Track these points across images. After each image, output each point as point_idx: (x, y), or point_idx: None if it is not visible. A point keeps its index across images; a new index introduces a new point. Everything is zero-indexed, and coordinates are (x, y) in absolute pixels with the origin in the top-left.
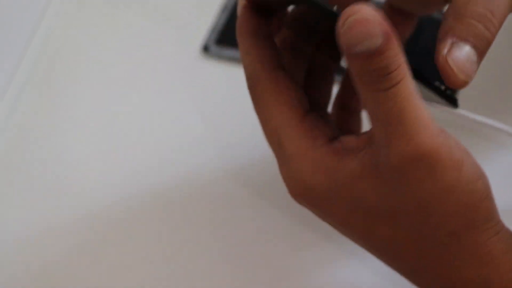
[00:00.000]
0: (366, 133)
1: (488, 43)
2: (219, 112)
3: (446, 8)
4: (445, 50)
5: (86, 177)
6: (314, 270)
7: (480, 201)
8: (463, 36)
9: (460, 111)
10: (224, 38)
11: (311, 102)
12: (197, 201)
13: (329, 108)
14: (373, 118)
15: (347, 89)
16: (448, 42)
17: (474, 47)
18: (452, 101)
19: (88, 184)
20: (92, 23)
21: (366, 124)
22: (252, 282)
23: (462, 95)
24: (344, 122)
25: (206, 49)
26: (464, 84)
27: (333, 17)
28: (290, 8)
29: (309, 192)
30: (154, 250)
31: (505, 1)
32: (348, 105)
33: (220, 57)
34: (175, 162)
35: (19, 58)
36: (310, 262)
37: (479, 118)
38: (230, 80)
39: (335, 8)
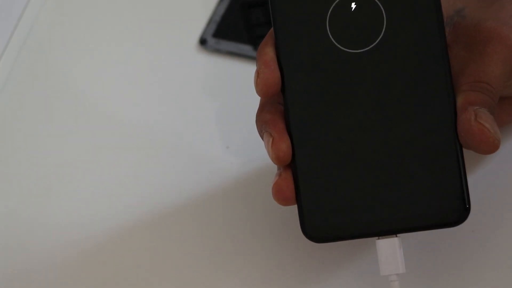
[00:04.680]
0: None
1: (495, 106)
2: (216, 106)
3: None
4: (472, 117)
5: (78, 173)
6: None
7: None
8: (479, 104)
9: None
10: (221, 31)
11: None
12: (194, 195)
13: None
14: None
15: None
16: (470, 110)
17: (489, 110)
18: None
19: (82, 181)
20: (85, 14)
21: None
22: None
23: None
24: None
25: (203, 42)
26: (499, 143)
27: None
28: None
29: None
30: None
31: (499, 75)
32: None
33: (217, 51)
34: (172, 153)
35: (3, 47)
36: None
37: None
38: (227, 73)
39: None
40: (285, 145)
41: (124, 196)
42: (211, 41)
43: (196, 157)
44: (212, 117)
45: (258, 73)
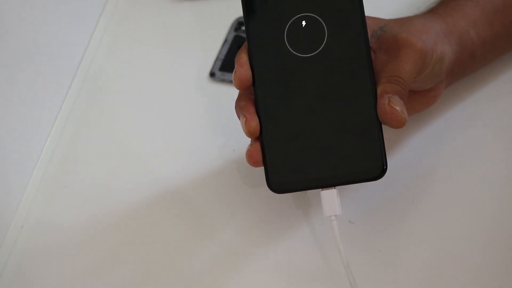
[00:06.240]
0: None
1: (405, 94)
2: (223, 120)
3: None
4: (386, 101)
5: (110, 181)
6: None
7: None
8: (393, 92)
9: None
10: (225, 66)
11: None
12: (212, 177)
13: None
14: None
15: None
16: (385, 97)
17: (400, 97)
18: None
19: (109, 188)
20: (124, 57)
21: None
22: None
23: None
24: None
25: (212, 75)
26: (405, 121)
27: None
28: None
29: None
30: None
31: (409, 71)
32: None
33: (223, 81)
34: (195, 153)
35: (66, 90)
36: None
37: None
38: (230, 96)
39: None
40: (254, 123)
41: (164, 179)
42: (218, 73)
43: (211, 156)
44: (221, 128)
45: (235, 72)
